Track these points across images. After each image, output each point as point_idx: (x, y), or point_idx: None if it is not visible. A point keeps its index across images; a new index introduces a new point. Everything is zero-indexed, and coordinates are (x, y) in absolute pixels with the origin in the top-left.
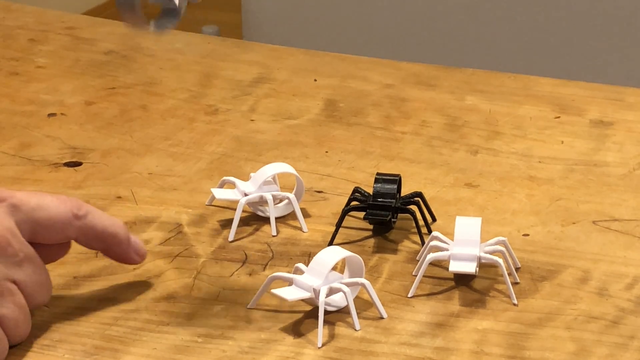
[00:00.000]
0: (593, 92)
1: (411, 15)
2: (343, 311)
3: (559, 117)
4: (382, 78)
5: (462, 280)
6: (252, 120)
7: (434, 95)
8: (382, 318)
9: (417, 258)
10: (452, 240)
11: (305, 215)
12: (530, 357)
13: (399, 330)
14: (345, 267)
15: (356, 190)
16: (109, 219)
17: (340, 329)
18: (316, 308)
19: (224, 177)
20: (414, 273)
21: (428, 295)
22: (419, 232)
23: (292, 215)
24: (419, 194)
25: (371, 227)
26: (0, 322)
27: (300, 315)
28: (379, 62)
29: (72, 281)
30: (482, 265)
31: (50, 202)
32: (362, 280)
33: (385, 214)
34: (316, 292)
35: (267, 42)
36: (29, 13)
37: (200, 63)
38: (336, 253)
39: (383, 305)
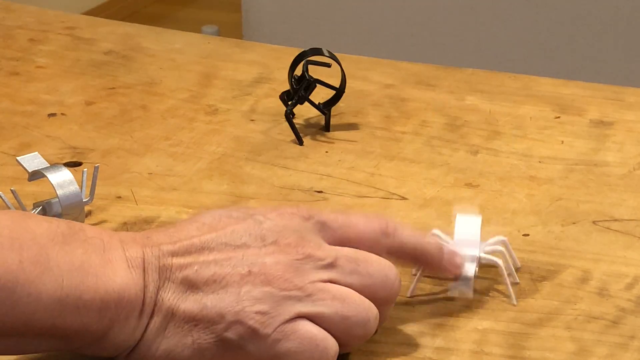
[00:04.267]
0: (593, 92)
1: (411, 15)
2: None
3: (559, 117)
4: (382, 78)
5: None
6: (252, 120)
7: (434, 95)
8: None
9: None
10: (452, 239)
11: None
12: (531, 357)
13: (398, 330)
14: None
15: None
16: (420, 237)
17: None
18: None
19: None
20: (413, 272)
21: (428, 295)
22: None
23: None
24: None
25: None
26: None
27: None
28: (379, 62)
29: None
30: (482, 265)
31: (358, 219)
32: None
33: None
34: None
35: (267, 42)
36: (29, 13)
37: (200, 63)
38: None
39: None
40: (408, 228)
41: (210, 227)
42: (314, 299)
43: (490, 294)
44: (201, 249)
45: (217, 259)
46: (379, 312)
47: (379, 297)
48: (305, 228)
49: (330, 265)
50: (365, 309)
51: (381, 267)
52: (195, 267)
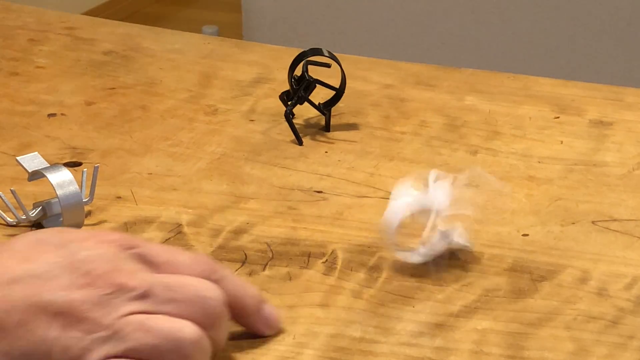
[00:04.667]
0: (592, 92)
1: (411, 16)
2: (344, 310)
3: (558, 117)
4: (382, 78)
5: (461, 279)
6: (251, 120)
7: (434, 95)
8: None
9: None
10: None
11: (305, 215)
12: (530, 357)
13: (398, 330)
14: None
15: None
16: (243, 288)
17: (340, 328)
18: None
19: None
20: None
21: (428, 295)
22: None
23: (291, 217)
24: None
25: (370, 222)
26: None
27: (300, 316)
28: (379, 62)
29: None
30: (477, 261)
31: (184, 259)
32: None
33: None
34: None
35: (267, 42)
36: (29, 13)
37: (200, 63)
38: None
39: (383, 305)
40: (235, 279)
41: (22, 256)
42: (121, 335)
43: (489, 294)
44: (11, 281)
45: (26, 295)
46: (211, 335)
47: (201, 322)
48: (123, 257)
49: (143, 296)
50: (175, 331)
51: (200, 291)
52: (4, 306)
